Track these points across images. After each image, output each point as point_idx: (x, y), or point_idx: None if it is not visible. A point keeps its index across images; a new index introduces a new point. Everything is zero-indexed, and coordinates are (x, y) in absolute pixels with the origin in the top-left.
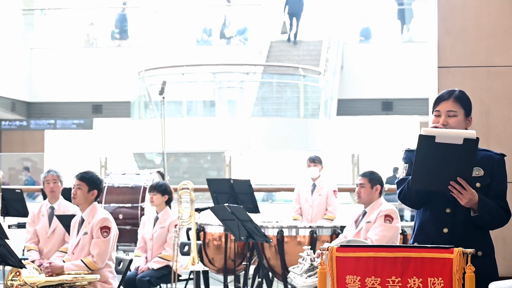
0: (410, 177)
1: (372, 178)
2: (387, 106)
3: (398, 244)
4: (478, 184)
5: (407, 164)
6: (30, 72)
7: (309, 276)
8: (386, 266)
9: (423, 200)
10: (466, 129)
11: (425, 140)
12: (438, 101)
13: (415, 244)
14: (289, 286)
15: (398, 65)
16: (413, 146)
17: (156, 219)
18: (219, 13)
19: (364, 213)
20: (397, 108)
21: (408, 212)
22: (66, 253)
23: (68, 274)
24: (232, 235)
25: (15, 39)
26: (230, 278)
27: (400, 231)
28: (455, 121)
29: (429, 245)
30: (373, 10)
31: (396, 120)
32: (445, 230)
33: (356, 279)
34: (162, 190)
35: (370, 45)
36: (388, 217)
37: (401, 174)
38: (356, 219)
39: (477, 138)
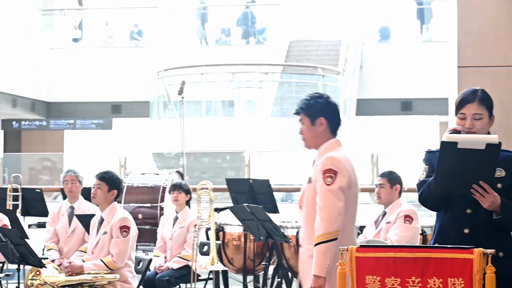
0: (430, 179)
1: (392, 178)
2: (406, 106)
3: (418, 244)
4: (499, 185)
5: (428, 166)
6: (50, 72)
7: None
8: (406, 266)
9: (443, 203)
10: (489, 129)
11: (448, 147)
12: (463, 103)
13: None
14: None
15: (417, 64)
16: (434, 147)
17: (176, 219)
18: (239, 13)
19: (384, 214)
20: (416, 108)
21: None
22: (86, 252)
23: (88, 273)
24: (251, 235)
25: (34, 40)
26: (250, 278)
27: (420, 232)
28: (481, 124)
29: (449, 245)
30: (392, 9)
31: (416, 120)
32: (466, 231)
33: (376, 279)
34: (186, 189)
35: (389, 45)
36: (408, 218)
37: (421, 175)
38: (376, 220)
39: (500, 142)
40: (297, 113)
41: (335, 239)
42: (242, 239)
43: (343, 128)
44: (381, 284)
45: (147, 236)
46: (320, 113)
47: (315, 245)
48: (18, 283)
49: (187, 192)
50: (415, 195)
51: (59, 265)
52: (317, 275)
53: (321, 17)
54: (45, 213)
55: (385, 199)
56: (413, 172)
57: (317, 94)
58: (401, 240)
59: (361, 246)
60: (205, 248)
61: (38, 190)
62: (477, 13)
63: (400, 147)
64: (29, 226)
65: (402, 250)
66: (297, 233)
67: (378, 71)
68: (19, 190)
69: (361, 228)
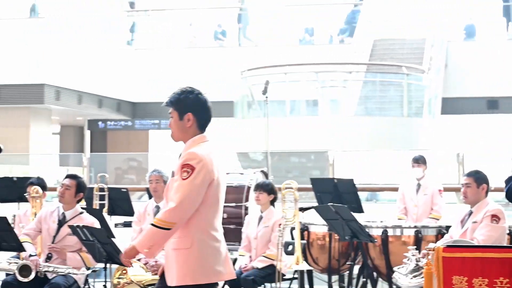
0: None
1: (478, 178)
2: (492, 105)
3: (505, 244)
4: None
5: None
6: (135, 73)
7: (415, 276)
8: (493, 267)
9: None
10: None
11: None
12: None
13: None
14: (394, 287)
15: (503, 62)
16: None
17: (260, 218)
18: (323, 12)
19: (470, 213)
20: (503, 107)
21: None
22: None
23: None
24: (336, 235)
25: (120, 41)
26: (335, 277)
27: (508, 231)
28: None
29: None
30: (478, 7)
31: (502, 118)
32: None
33: (463, 279)
34: (269, 189)
35: (475, 43)
36: (495, 217)
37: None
38: (462, 219)
39: None
40: (167, 105)
41: (169, 229)
42: (327, 239)
43: (428, 127)
44: (468, 284)
45: (232, 235)
46: (189, 109)
47: (151, 224)
48: (105, 281)
49: (270, 192)
50: (502, 195)
51: (145, 264)
52: (135, 246)
53: (405, 15)
54: (131, 213)
55: (471, 199)
56: (500, 172)
57: (189, 89)
58: (488, 240)
59: (448, 246)
60: (290, 247)
61: (124, 190)
62: None
63: (486, 146)
64: (116, 225)
65: (490, 251)
66: (383, 232)
67: (464, 70)
68: (106, 189)
69: (447, 228)
